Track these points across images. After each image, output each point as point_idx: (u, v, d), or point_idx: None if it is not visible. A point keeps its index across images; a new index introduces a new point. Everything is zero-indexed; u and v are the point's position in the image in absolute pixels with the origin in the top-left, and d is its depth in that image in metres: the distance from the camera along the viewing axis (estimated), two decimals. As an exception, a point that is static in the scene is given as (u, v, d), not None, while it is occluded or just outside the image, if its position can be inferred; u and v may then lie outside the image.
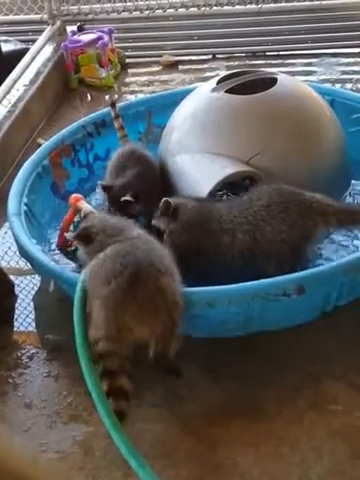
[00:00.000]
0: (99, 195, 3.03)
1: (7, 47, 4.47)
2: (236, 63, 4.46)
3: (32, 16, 4.93)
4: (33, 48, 4.36)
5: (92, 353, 2.06)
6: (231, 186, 2.73)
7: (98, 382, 2.02)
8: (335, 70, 4.25)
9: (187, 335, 2.15)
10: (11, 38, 4.64)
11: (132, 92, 4.34)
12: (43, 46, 4.46)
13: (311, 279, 2.23)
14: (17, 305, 2.66)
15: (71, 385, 2.31)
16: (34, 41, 4.51)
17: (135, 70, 4.61)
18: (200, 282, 2.27)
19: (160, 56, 4.63)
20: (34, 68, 4.22)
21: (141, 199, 2.67)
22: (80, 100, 4.31)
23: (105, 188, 2.75)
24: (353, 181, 2.97)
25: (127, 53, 4.68)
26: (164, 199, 2.50)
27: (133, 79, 4.51)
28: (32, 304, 2.69)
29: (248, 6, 4.72)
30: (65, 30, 4.70)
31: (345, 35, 4.53)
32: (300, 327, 2.29)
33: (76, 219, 2.80)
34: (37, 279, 2.77)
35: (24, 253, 2.58)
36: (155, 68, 4.59)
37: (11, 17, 4.99)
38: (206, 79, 3.44)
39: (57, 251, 2.79)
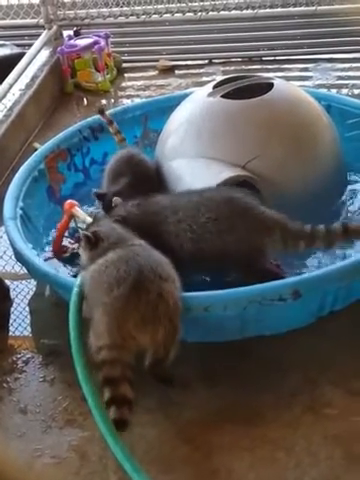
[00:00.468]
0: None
1: (3, 51, 4.48)
2: (232, 68, 4.47)
3: (28, 20, 4.93)
4: (29, 52, 4.36)
5: (94, 361, 2.03)
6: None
7: (94, 387, 2.02)
8: (331, 75, 4.26)
9: (183, 340, 2.15)
10: (7, 42, 4.64)
11: (128, 97, 4.34)
12: (39, 50, 4.46)
13: (307, 284, 2.23)
14: (12, 309, 2.65)
15: (66, 390, 2.31)
16: (30, 45, 4.50)
17: (131, 75, 4.61)
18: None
19: (156, 61, 4.64)
20: (30, 72, 4.23)
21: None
22: (76, 104, 4.31)
23: (99, 196, 2.75)
24: (349, 186, 2.97)
25: (123, 58, 4.68)
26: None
27: (129, 84, 4.51)
28: (28, 308, 2.68)
29: (244, 11, 4.73)
30: (61, 34, 4.70)
31: (341, 40, 4.54)
32: (296, 332, 2.29)
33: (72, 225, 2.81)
34: (33, 283, 2.77)
35: (20, 257, 2.58)
36: (151, 73, 4.60)
37: (7, 21, 4.99)
38: (202, 84, 3.43)
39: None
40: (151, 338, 2.03)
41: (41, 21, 4.76)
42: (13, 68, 4.11)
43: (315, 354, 2.33)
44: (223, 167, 2.65)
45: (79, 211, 2.74)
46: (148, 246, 2.21)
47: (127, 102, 4.19)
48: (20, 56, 4.32)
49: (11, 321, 2.62)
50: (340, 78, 4.23)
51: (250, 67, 4.47)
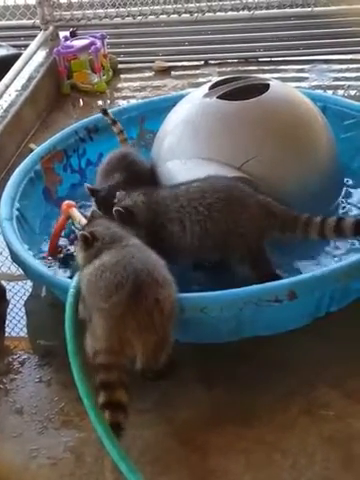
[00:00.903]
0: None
1: (-1, 52, 4.48)
2: (228, 69, 4.47)
3: (25, 21, 4.93)
4: (25, 53, 4.37)
5: (91, 363, 2.03)
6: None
7: (90, 388, 2.01)
8: (327, 76, 4.27)
9: (179, 341, 2.15)
10: (3, 43, 4.65)
11: (124, 98, 4.35)
12: (35, 51, 4.46)
13: (303, 285, 2.23)
14: (8, 310, 2.65)
15: (63, 391, 2.31)
16: (26, 46, 4.51)
17: (127, 76, 4.62)
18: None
19: (153, 62, 4.65)
20: (26, 73, 4.23)
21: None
22: (72, 105, 4.32)
23: (92, 191, 2.74)
24: (345, 187, 2.97)
25: (119, 59, 4.69)
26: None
27: (125, 85, 4.52)
28: (24, 309, 2.68)
29: (240, 12, 4.73)
30: (58, 35, 4.71)
31: (337, 42, 4.55)
32: (293, 333, 2.29)
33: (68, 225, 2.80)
34: (29, 284, 2.77)
35: (16, 258, 2.58)
36: (147, 74, 4.61)
37: (3, 22, 4.98)
38: (198, 85, 3.44)
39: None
40: (143, 345, 2.02)
41: (37, 22, 4.77)
42: (9, 69, 4.11)
43: (311, 355, 2.33)
44: (219, 168, 2.65)
45: (76, 212, 2.74)
46: (143, 246, 2.21)
47: (123, 103, 4.20)
48: (16, 57, 4.32)
49: (7, 322, 2.61)
50: (336, 79, 4.24)
51: (246, 68, 4.48)
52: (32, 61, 4.36)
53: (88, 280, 2.13)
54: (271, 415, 2.16)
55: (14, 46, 4.67)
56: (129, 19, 4.80)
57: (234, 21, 4.75)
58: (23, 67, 4.23)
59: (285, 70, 4.40)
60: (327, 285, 2.26)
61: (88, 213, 2.77)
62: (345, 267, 2.29)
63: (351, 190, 2.97)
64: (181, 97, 3.10)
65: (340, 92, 4.05)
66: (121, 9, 4.80)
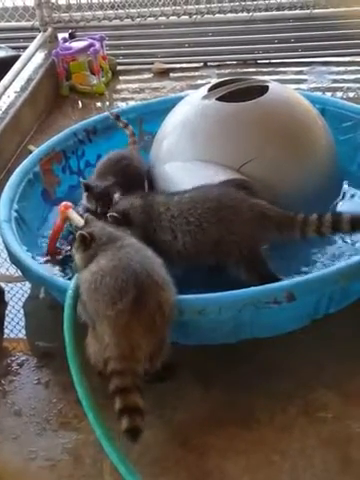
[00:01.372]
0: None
1: (-2, 54, 4.48)
2: (227, 71, 4.48)
3: (23, 23, 4.93)
4: (24, 55, 4.37)
5: (92, 367, 2.04)
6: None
7: (88, 390, 2.01)
8: (326, 78, 4.28)
9: (178, 343, 2.15)
10: (2, 45, 4.65)
11: (123, 99, 4.35)
12: (34, 53, 4.46)
13: (302, 287, 2.23)
14: (7, 312, 2.64)
15: (61, 392, 2.31)
16: (25, 48, 4.51)
17: (126, 77, 4.62)
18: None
19: (151, 63, 4.65)
20: (25, 75, 4.23)
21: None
22: (71, 107, 4.32)
23: (86, 186, 2.73)
24: (343, 189, 2.97)
25: (118, 60, 4.70)
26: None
27: (124, 86, 4.52)
28: (22, 311, 2.68)
29: (239, 14, 4.74)
30: (56, 37, 4.71)
31: (336, 44, 4.55)
32: (291, 335, 2.29)
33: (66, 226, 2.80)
34: (27, 286, 2.76)
35: (14, 260, 2.58)
36: (146, 75, 4.61)
37: (2, 24, 4.98)
38: (197, 87, 3.44)
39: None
40: (147, 347, 2.01)
41: (36, 23, 4.78)
42: (8, 70, 4.11)
43: (310, 357, 2.33)
44: (218, 170, 2.65)
45: (74, 213, 2.74)
46: (139, 244, 2.20)
47: (122, 105, 4.20)
48: (15, 58, 4.32)
49: (6, 323, 2.61)
50: (335, 81, 4.25)
51: (245, 70, 4.48)
52: (31, 63, 4.37)
53: (89, 286, 2.10)
54: (269, 417, 2.16)
55: (13, 48, 4.67)
56: (128, 21, 4.81)
57: (233, 23, 4.76)
58: (22, 69, 4.23)
59: (284, 72, 4.41)
60: (326, 287, 2.26)
61: (80, 208, 2.79)
62: (343, 269, 2.29)
63: (350, 191, 2.97)
64: (180, 99, 3.10)
65: (339, 94, 4.06)
66: (120, 11, 4.81)
